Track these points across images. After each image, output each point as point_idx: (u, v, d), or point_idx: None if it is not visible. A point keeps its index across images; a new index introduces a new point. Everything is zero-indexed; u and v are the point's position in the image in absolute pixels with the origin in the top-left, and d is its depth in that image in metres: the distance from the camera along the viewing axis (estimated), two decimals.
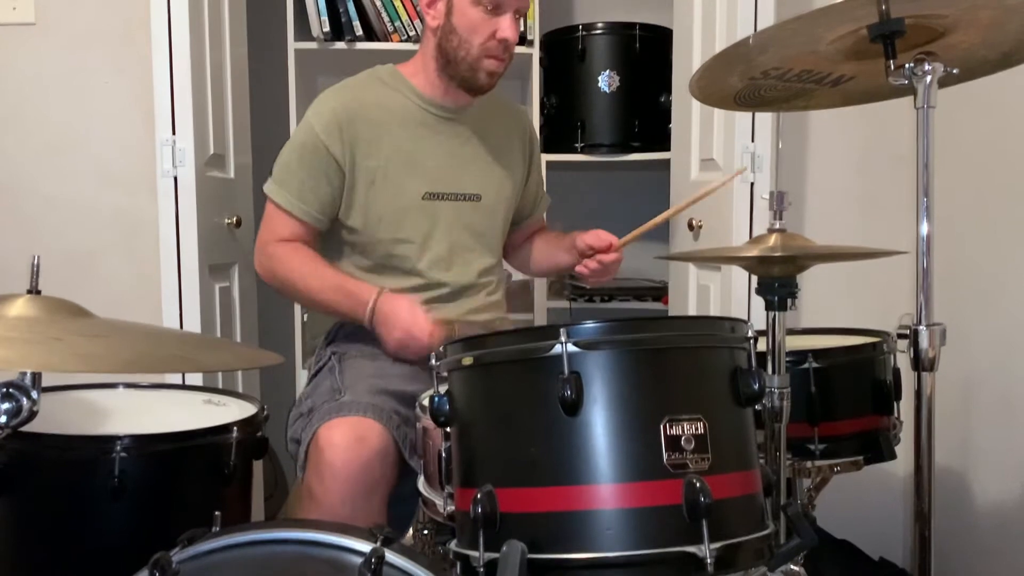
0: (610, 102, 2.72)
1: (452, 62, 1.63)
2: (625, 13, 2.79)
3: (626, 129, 2.72)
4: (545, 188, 1.98)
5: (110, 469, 1.16)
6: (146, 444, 1.20)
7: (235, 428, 1.27)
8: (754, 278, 1.59)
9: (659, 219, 1.71)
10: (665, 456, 0.91)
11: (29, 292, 1.00)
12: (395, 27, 2.54)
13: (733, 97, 1.38)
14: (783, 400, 1.30)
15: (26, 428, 0.91)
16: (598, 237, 1.71)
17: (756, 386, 0.98)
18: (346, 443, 1.40)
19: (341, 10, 2.50)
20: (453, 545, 1.03)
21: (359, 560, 0.88)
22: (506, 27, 1.59)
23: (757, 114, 2.02)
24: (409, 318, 1.54)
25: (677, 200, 2.41)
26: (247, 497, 1.37)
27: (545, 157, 2.54)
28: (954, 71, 1.16)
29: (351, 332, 1.71)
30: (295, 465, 1.54)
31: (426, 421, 1.24)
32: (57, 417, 1.28)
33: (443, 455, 1.09)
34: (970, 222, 1.95)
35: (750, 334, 1.03)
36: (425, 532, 1.53)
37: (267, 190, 1.66)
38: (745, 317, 1.94)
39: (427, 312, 1.56)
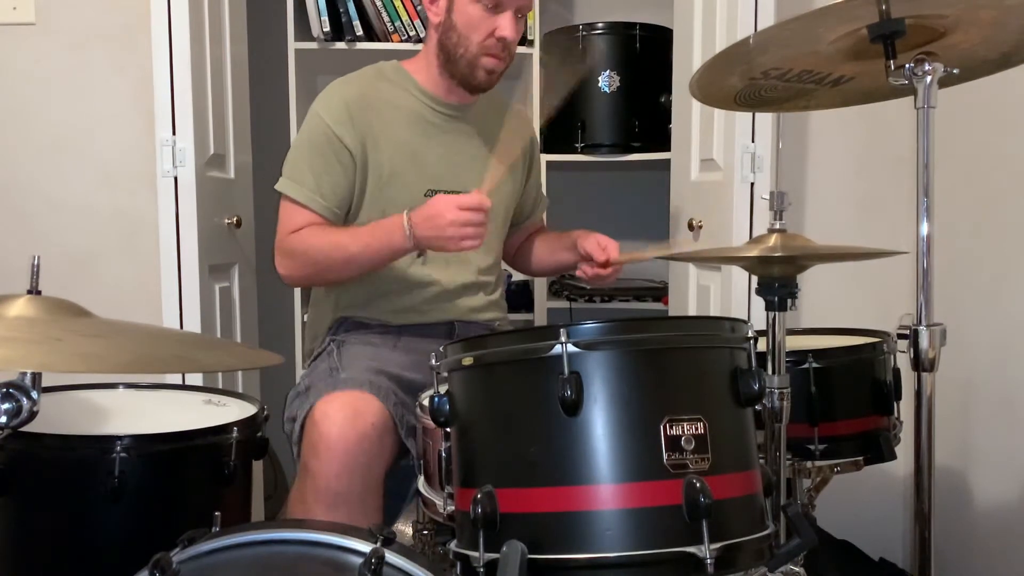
0: (610, 102, 2.71)
1: (451, 59, 1.63)
2: (625, 13, 2.79)
3: (626, 129, 2.72)
4: (545, 188, 1.98)
5: (110, 469, 1.15)
6: (146, 444, 1.20)
7: (235, 428, 1.27)
8: (754, 278, 1.59)
9: (663, 254, 1.71)
10: (665, 456, 0.91)
11: (29, 292, 1.00)
12: (395, 27, 2.53)
13: (733, 97, 1.38)
14: (783, 400, 1.30)
15: (26, 428, 0.91)
16: (598, 246, 1.68)
17: (756, 386, 0.99)
18: (342, 416, 1.39)
19: (341, 10, 2.50)
20: (453, 545, 1.03)
21: (359, 560, 0.88)
22: (505, 25, 1.58)
23: (757, 114, 2.02)
24: (450, 198, 1.46)
25: (677, 200, 2.41)
26: (247, 497, 1.37)
27: (545, 157, 2.54)
28: (954, 71, 1.16)
29: (353, 326, 1.71)
30: (289, 443, 1.52)
31: (426, 421, 1.24)
32: (57, 417, 1.28)
33: (443, 455, 1.09)
34: (970, 222, 1.95)
35: (750, 334, 1.03)
36: (425, 532, 1.53)
37: (281, 187, 1.63)
38: (745, 317, 1.94)
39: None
